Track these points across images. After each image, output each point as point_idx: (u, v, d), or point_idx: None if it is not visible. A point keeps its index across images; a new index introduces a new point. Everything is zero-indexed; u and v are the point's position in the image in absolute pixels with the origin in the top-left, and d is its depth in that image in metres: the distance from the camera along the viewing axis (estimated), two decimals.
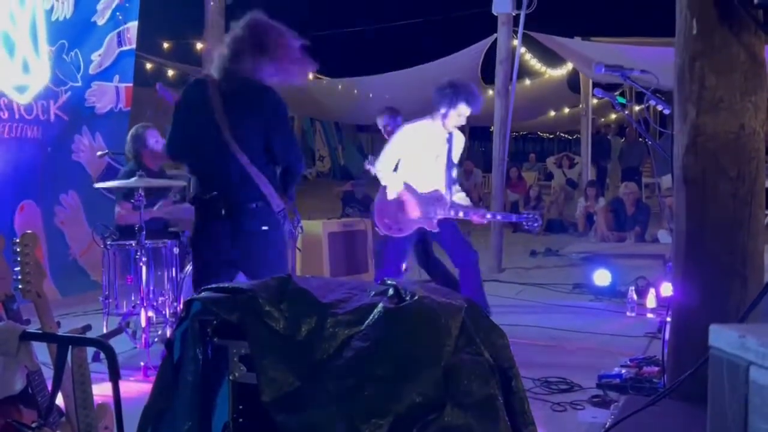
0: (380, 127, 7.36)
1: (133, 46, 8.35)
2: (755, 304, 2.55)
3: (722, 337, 1.08)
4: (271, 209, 3.86)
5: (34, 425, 2.40)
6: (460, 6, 13.20)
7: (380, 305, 2.41)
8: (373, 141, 27.24)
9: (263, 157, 3.90)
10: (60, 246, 7.52)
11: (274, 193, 3.86)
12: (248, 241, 3.87)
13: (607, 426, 3.00)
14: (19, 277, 2.44)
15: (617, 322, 6.19)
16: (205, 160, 3.92)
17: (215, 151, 3.83)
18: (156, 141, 5.83)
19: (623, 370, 4.59)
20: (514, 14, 9.31)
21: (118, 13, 8.07)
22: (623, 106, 4.42)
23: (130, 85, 8.36)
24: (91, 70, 7.87)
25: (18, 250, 2.45)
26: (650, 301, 6.56)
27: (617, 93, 8.95)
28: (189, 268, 5.18)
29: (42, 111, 7.36)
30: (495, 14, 9.44)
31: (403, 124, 6.13)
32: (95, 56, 7.90)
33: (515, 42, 9.62)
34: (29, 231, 2.60)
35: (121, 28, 8.15)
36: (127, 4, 8.17)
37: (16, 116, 7.09)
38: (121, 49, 8.18)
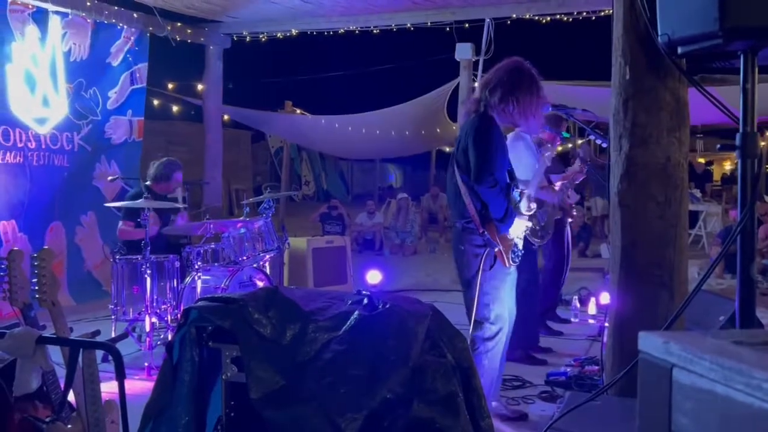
0: None
1: (144, 84, 8.33)
2: (679, 314, 2.56)
3: (649, 342, 1.08)
4: None
5: (48, 420, 2.37)
6: (428, 53, 13.29)
7: (356, 313, 2.40)
8: (352, 168, 27.27)
9: None
10: (77, 260, 7.47)
11: None
12: None
13: (553, 418, 2.99)
14: (36, 287, 2.42)
15: (563, 327, 6.21)
16: None
17: None
18: (177, 178, 5.83)
19: (568, 369, 4.61)
20: (473, 60, 9.39)
21: (129, 56, 8.06)
22: (567, 139, 4.43)
23: (142, 118, 8.33)
24: (109, 106, 7.87)
25: (36, 264, 2.43)
26: (591, 309, 6.59)
27: (562, 129, 9.01)
28: (189, 278, 5.14)
29: (66, 141, 7.33)
30: (458, 60, 9.52)
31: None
32: (112, 93, 7.90)
33: (476, 84, 9.68)
34: (46, 247, 2.57)
35: (133, 69, 8.14)
36: (137, 48, 8.16)
37: (43, 146, 7.06)
38: (133, 87, 8.16)
